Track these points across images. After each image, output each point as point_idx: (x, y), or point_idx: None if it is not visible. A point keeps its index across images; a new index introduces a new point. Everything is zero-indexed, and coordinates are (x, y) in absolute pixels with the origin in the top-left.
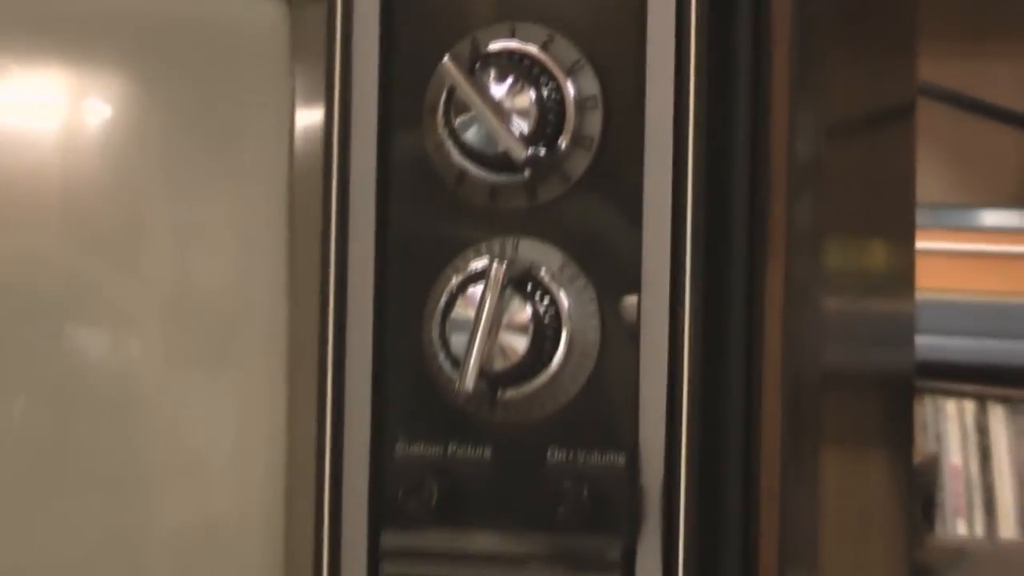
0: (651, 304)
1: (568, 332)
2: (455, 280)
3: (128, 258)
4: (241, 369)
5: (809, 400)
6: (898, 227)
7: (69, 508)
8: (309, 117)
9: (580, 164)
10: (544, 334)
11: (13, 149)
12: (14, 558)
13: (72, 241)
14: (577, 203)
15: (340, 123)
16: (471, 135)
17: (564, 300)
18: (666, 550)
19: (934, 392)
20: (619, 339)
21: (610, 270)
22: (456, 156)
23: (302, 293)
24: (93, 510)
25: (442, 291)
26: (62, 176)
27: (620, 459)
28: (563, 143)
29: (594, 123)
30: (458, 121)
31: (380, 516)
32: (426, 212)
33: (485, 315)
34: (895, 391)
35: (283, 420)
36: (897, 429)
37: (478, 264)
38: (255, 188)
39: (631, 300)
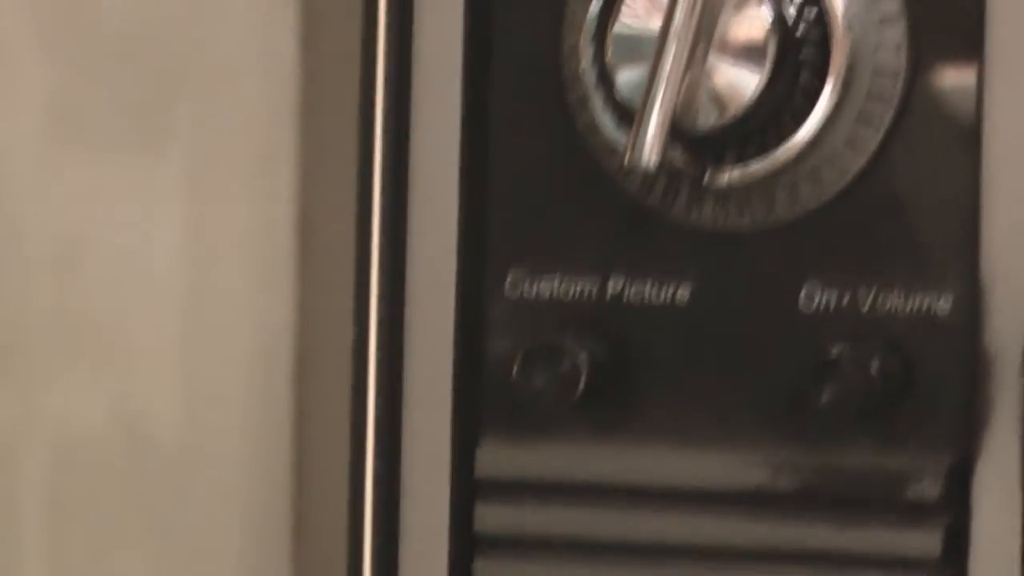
0: None
1: (844, 57)
2: None
3: None
4: (200, 147)
5: None
6: None
7: None
8: None
9: None
10: (795, 59)
11: None
12: None
13: None
14: None
15: None
16: None
17: None
18: None
19: None
20: (941, 69)
21: None
22: None
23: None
24: None
25: None
26: None
27: (943, 304)
28: None
29: None
30: None
31: (474, 413)
32: None
33: (681, 22)
34: None
35: (290, 240)
36: None
37: None
38: None
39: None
